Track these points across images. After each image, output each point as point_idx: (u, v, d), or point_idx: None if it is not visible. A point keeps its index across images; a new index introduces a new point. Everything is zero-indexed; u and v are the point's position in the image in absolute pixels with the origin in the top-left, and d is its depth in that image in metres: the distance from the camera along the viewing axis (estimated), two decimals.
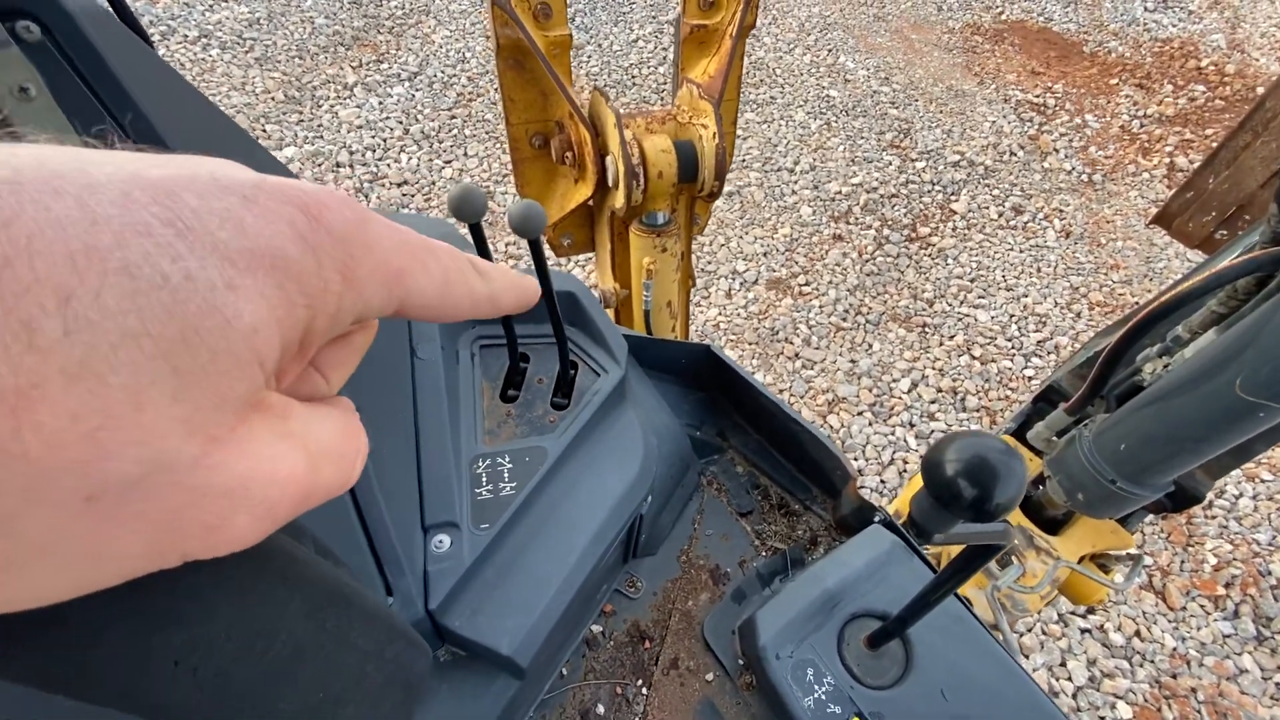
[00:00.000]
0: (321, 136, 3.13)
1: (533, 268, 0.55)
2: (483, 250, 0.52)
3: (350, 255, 0.17)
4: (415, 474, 0.57)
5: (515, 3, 0.84)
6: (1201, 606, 1.97)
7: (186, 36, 3.54)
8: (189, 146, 0.42)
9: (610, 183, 0.89)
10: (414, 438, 0.58)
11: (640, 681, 0.71)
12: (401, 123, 3.24)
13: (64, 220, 0.12)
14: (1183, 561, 2.06)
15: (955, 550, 1.00)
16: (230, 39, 3.57)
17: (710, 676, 0.70)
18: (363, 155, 3.07)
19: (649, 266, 0.98)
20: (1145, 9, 4.24)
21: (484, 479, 0.59)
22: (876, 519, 0.73)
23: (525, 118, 0.96)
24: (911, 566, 0.68)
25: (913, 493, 1.09)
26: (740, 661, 0.70)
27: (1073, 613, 1.93)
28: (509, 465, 0.60)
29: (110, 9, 0.49)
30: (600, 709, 0.68)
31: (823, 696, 0.61)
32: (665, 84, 3.58)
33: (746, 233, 2.93)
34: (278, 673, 0.19)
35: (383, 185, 2.97)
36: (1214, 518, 2.15)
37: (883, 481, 2.22)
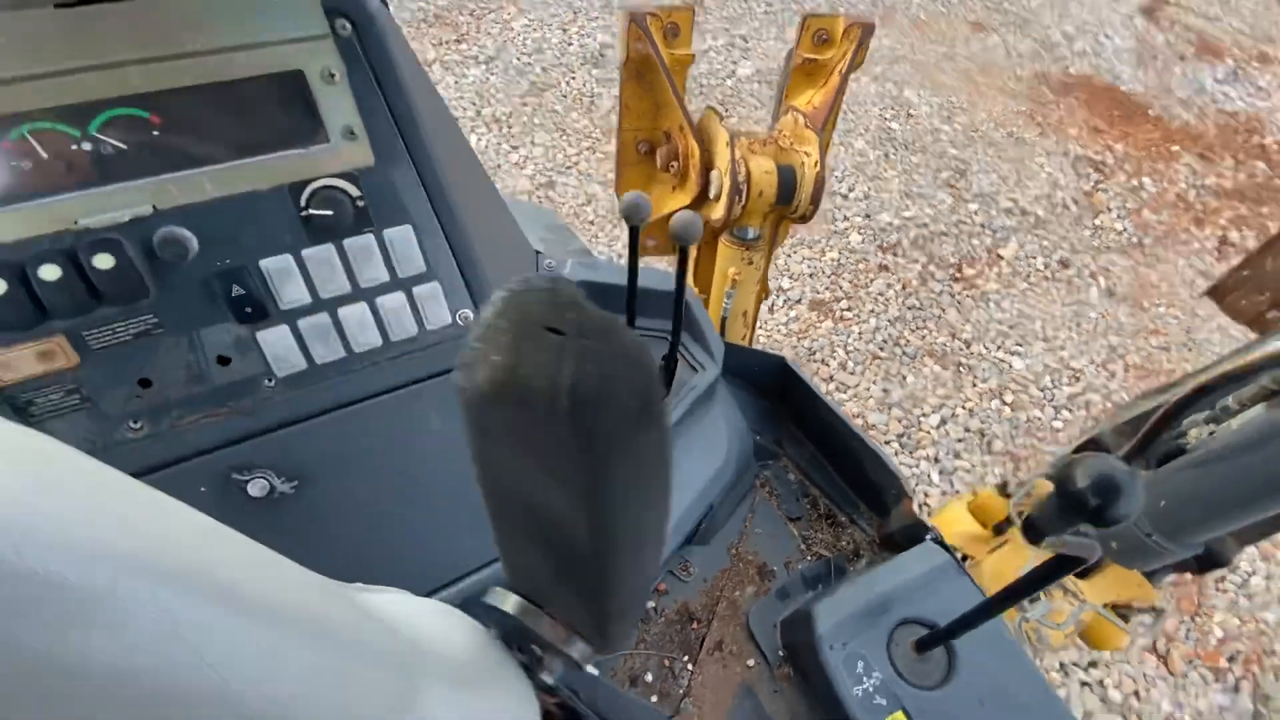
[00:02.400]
0: None
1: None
2: (633, 252, 0.59)
3: None
4: None
5: (650, 21, 0.91)
6: (1202, 676, 1.99)
7: None
8: (432, 154, 0.50)
9: (713, 195, 0.96)
10: None
11: (686, 658, 0.76)
12: (474, 104, 3.32)
13: None
14: (1189, 630, 2.08)
15: (992, 574, 1.05)
16: None
17: (751, 662, 0.75)
18: None
19: (734, 276, 1.04)
20: (1215, 80, 4.23)
21: None
22: (929, 537, 0.79)
23: (636, 125, 1.03)
24: (960, 583, 0.73)
25: (950, 519, 1.15)
26: (780, 653, 0.76)
27: (1075, 664, 1.97)
28: None
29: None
30: (649, 677, 0.74)
31: (870, 689, 0.66)
32: (758, 113, 3.64)
33: (795, 252, 2.98)
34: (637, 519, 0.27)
35: None
36: (1225, 591, 2.17)
37: None
